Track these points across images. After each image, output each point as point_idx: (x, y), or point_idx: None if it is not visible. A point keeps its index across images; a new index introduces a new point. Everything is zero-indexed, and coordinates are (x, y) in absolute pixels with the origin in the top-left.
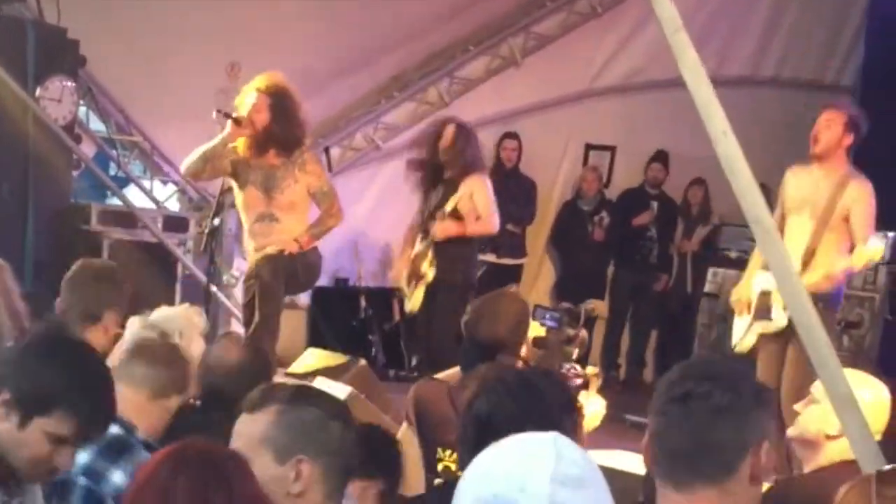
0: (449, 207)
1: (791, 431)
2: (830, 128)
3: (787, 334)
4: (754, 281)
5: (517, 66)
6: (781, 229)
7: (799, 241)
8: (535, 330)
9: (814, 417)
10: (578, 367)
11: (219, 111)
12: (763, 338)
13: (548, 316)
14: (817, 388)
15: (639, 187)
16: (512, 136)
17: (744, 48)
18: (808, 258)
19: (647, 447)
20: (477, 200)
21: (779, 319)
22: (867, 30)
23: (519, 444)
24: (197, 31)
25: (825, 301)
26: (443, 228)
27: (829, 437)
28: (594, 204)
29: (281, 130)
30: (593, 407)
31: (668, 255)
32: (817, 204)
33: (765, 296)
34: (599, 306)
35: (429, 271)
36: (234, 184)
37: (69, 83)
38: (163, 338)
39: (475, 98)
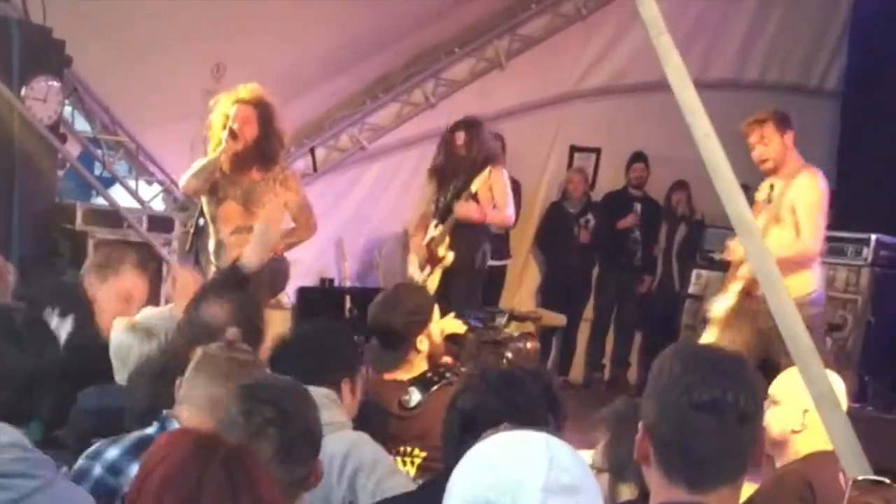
0: (474, 188)
1: None
2: (767, 142)
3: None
4: None
5: (502, 67)
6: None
7: None
8: (455, 326)
9: (777, 418)
10: None
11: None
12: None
13: (472, 315)
14: (776, 388)
15: (622, 189)
16: (497, 136)
17: (727, 52)
18: None
19: (645, 447)
20: (495, 192)
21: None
22: (850, 34)
23: (511, 446)
24: (182, 31)
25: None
26: (466, 209)
27: (794, 432)
28: (580, 206)
29: (267, 144)
30: None
31: (652, 257)
32: (772, 202)
33: None
34: (549, 317)
35: (448, 254)
36: (205, 196)
37: (54, 83)
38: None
39: (460, 99)
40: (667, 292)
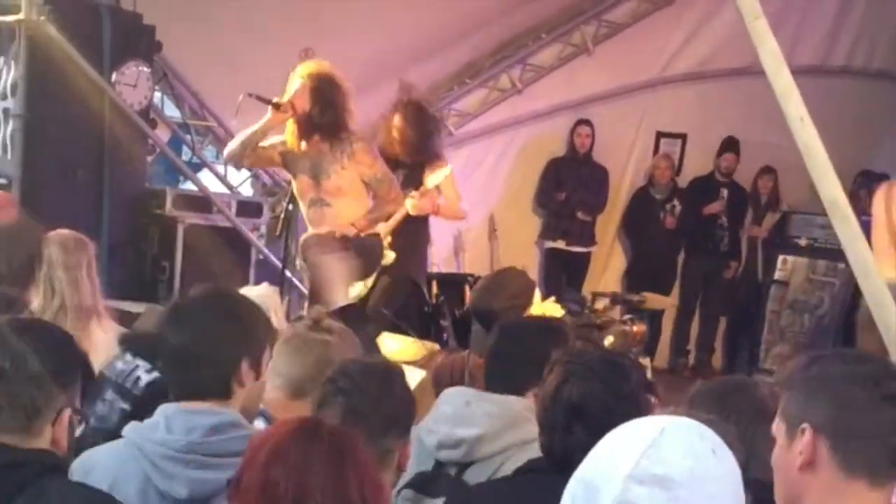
0: (432, 184)
1: None
2: None
3: None
4: None
5: (589, 53)
6: None
7: None
8: (553, 310)
9: None
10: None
11: (249, 94)
12: None
13: (571, 299)
14: None
15: (709, 175)
16: (586, 122)
17: (813, 37)
18: None
19: (815, 450)
20: (446, 186)
21: None
22: None
23: (623, 430)
24: (271, 16)
25: None
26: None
27: None
28: (666, 192)
29: (322, 115)
30: None
31: (738, 243)
32: None
33: None
34: (654, 300)
35: (387, 254)
36: (290, 174)
37: (144, 68)
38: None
39: (547, 85)
40: (751, 278)
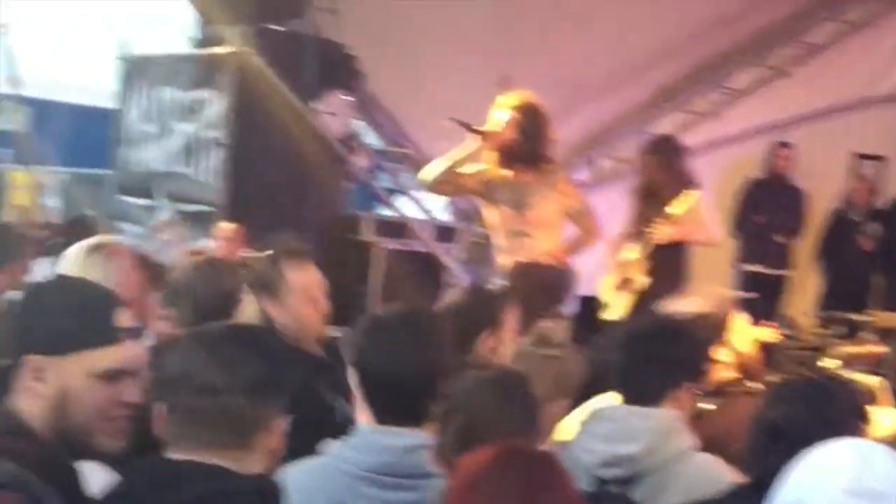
0: (679, 211)
1: None
2: None
3: None
4: None
5: (786, 75)
6: None
7: None
8: (768, 335)
9: None
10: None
11: (453, 119)
12: None
13: (786, 325)
14: None
15: None
16: (786, 144)
17: None
18: None
19: None
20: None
21: None
22: None
23: (828, 451)
24: (469, 45)
25: None
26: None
27: None
28: (864, 214)
29: (527, 146)
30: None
31: None
32: None
33: None
34: (885, 318)
35: (640, 279)
36: (484, 203)
37: (346, 97)
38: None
39: (743, 108)
40: None
